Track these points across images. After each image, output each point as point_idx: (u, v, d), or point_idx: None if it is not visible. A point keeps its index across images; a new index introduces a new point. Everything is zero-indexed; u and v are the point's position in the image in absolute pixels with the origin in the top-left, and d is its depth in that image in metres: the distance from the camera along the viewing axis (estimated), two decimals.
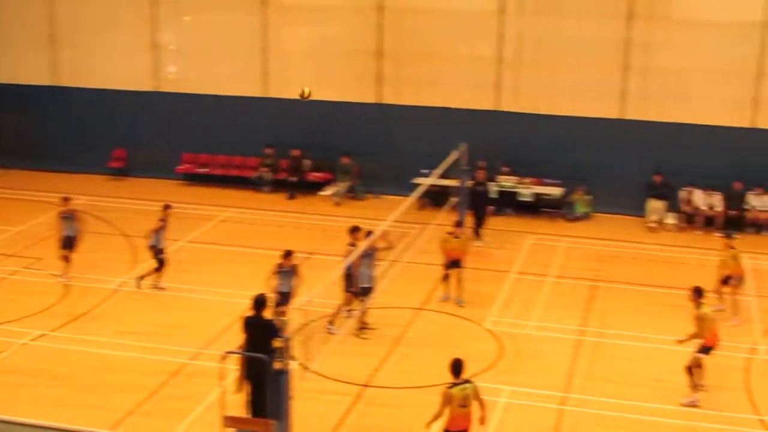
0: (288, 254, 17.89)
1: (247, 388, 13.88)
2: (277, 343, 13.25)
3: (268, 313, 14.50)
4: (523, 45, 27.39)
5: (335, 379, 16.67)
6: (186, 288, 21.07)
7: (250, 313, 14.32)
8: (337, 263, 17.32)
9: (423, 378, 16.93)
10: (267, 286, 17.30)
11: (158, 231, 20.62)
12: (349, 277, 18.44)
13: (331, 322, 18.75)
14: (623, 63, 26.78)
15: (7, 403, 15.50)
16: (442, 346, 18.29)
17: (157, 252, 20.72)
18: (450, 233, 20.35)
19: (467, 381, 12.87)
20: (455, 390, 12.71)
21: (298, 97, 20.80)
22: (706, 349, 15.92)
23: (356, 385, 16.72)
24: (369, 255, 18.43)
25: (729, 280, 19.81)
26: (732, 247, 20.04)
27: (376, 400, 16.30)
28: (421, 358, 17.95)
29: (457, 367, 12.95)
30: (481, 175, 24.41)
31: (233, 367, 14.43)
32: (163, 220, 20.69)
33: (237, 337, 15.02)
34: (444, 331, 19.29)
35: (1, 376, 16.76)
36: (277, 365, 13.04)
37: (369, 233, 18.32)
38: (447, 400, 12.71)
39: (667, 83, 26.71)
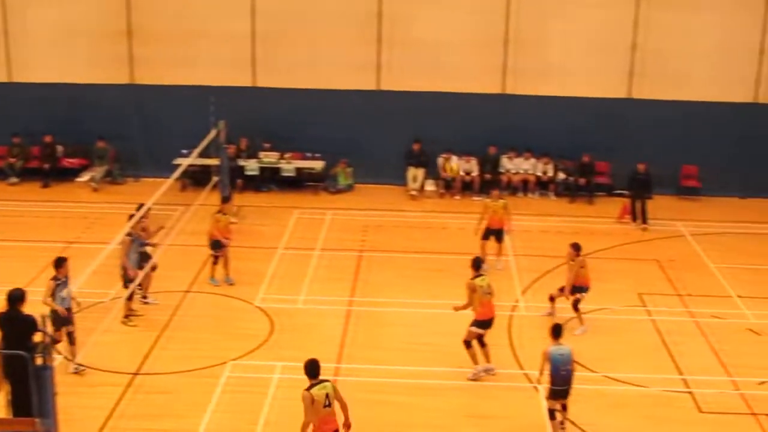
0: (60, 262, 15.97)
1: (7, 387, 13.29)
2: (37, 338, 12.74)
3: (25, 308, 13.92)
4: (278, 19, 27.28)
5: (103, 370, 16.24)
6: None
7: (4, 309, 13.73)
8: (98, 251, 16.78)
9: (195, 361, 16.77)
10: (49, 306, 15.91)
11: None
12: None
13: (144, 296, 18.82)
14: (377, 35, 27.19)
15: None
16: (214, 327, 18.25)
17: None
18: (219, 212, 20.21)
19: (325, 380, 12.34)
20: (315, 391, 12.13)
21: None
22: (478, 323, 16.10)
23: (126, 374, 16.35)
24: (135, 241, 18.04)
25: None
26: (501, 198, 21.20)
27: (147, 388, 16.00)
28: (192, 341, 17.74)
29: (312, 368, 12.33)
30: (231, 150, 24.19)
31: None
32: None
33: None
34: (214, 311, 19.11)
35: None
36: (38, 361, 12.56)
37: (131, 217, 17.92)
38: (309, 402, 12.07)
39: (420, 54, 27.28)
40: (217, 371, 16.42)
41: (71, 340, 15.83)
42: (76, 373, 15.92)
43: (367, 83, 27.54)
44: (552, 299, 18.69)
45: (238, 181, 25.00)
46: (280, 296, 19.85)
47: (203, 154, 23.63)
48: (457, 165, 27.20)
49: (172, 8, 27.39)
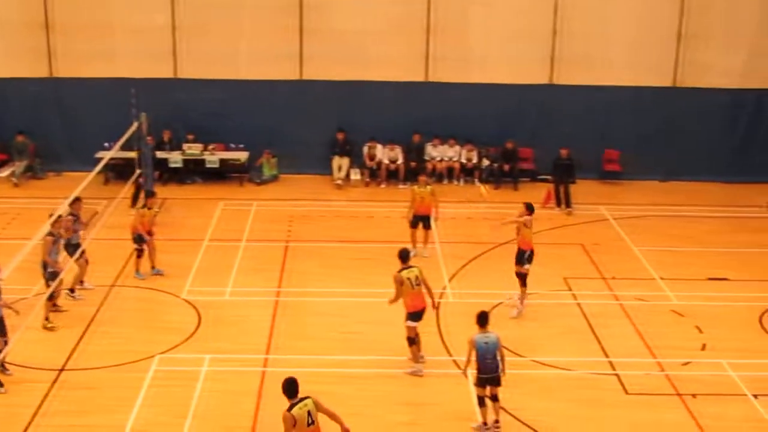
0: None
1: None
2: None
3: None
4: (199, 10, 27.07)
5: (28, 367, 15.98)
6: None
7: None
8: (20, 247, 16.45)
9: (121, 356, 16.59)
10: None
11: None
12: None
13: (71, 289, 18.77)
14: (299, 25, 27.10)
15: None
16: (140, 321, 18.13)
17: None
18: (144, 206, 19.99)
19: (305, 397, 11.81)
20: (296, 411, 11.59)
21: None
22: (411, 315, 15.88)
23: (51, 370, 16.12)
24: (57, 240, 17.75)
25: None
26: (428, 184, 21.29)
27: (73, 384, 15.78)
28: (119, 335, 17.55)
29: (290, 387, 11.83)
30: (150, 141, 23.96)
31: None
32: None
33: None
34: (140, 305, 18.96)
35: None
36: None
37: (51, 216, 17.62)
38: (291, 425, 11.53)
39: (342, 43, 27.26)
40: (144, 365, 16.25)
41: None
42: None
43: (290, 73, 27.45)
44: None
45: (156, 173, 24.70)
46: (207, 288, 19.71)
47: (125, 147, 23.31)
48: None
49: (90, 1, 26.95)
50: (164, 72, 27.35)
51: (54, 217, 17.53)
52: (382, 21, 27.23)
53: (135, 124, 22.94)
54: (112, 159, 23.67)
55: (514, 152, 27.14)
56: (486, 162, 27.42)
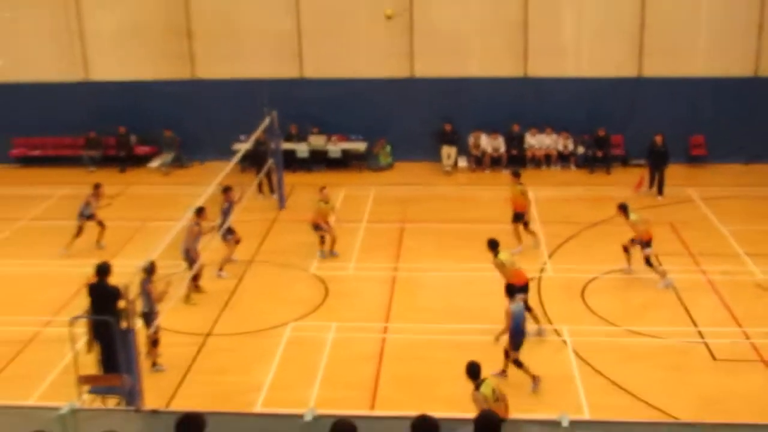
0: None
1: (97, 349, 13.56)
2: (121, 305, 12.97)
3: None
4: (320, 16, 27.29)
5: (180, 331, 16.48)
6: (27, 261, 20.31)
7: (94, 280, 13.98)
8: (170, 227, 16.93)
9: (259, 323, 17.02)
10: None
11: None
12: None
13: (220, 269, 19.14)
14: (409, 27, 27.06)
15: None
16: (275, 293, 18.46)
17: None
18: (321, 200, 20.27)
19: (484, 379, 11.88)
20: (482, 389, 11.65)
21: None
22: (517, 289, 15.57)
23: (198, 335, 16.61)
24: (200, 231, 18.15)
25: (518, 216, 20.23)
26: (520, 183, 20.31)
27: (216, 347, 16.25)
28: (255, 305, 17.98)
29: (473, 370, 11.87)
30: (262, 136, 24.25)
31: (83, 331, 14.06)
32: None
33: (82, 304, 14.57)
34: (275, 279, 19.31)
35: None
36: (123, 325, 12.79)
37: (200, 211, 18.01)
38: (482, 402, 11.41)
39: (448, 43, 27.08)
40: (279, 331, 16.63)
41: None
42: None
43: (401, 71, 27.46)
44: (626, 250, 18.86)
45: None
46: (333, 264, 19.98)
47: (258, 140, 23.73)
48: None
49: (226, 9, 27.43)
50: (291, 72, 27.67)
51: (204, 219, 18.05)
52: (484, 22, 26.99)
53: (266, 119, 23.30)
54: (246, 150, 24.07)
55: (606, 139, 26.69)
56: (581, 149, 27.07)
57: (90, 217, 20.72)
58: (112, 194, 22.49)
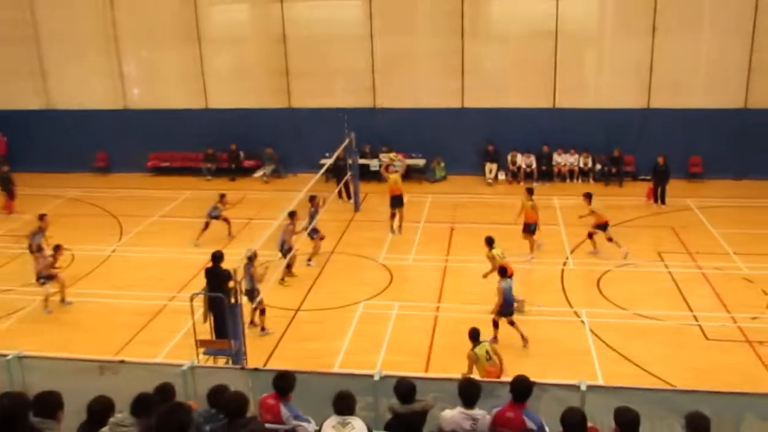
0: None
1: (210, 319, 13.78)
2: (230, 285, 13.14)
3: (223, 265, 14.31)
4: (390, 58, 27.30)
5: (276, 306, 16.64)
6: (158, 249, 20.70)
7: (209, 265, 14.19)
8: (269, 225, 17.10)
9: (337, 301, 17.10)
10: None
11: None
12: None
13: (309, 259, 19.13)
14: (461, 67, 26.96)
15: (34, 343, 15.01)
16: (350, 278, 18.50)
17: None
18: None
19: (483, 341, 12.58)
20: (477, 350, 12.22)
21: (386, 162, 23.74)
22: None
23: (290, 309, 16.75)
24: (293, 230, 18.33)
25: (529, 227, 19.36)
26: (531, 199, 19.42)
27: (304, 320, 16.37)
28: (335, 287, 18.06)
29: (473, 334, 12.41)
30: (342, 154, 24.26)
31: (199, 305, 14.28)
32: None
33: (200, 283, 14.83)
34: (350, 267, 19.34)
35: (26, 324, 16.31)
36: (231, 301, 12.96)
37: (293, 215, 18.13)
38: (472, 360, 11.84)
39: (492, 80, 26.95)
40: (353, 308, 16.70)
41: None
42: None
43: (454, 102, 27.31)
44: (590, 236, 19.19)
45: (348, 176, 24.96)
46: (396, 255, 19.97)
47: (339, 156, 23.84)
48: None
49: (315, 53, 27.57)
50: (366, 102, 27.71)
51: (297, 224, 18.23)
52: (521, 63, 26.68)
53: (346, 140, 23.40)
54: (330, 164, 24.21)
55: (619, 158, 26.21)
56: (598, 165, 26.62)
57: (216, 217, 20.99)
58: (234, 200, 22.62)
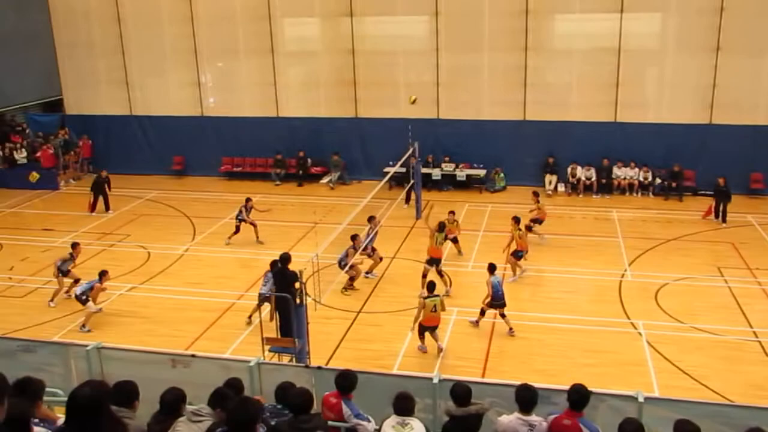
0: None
1: (277, 318, 13.91)
2: (296, 285, 13.25)
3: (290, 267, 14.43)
4: (454, 72, 27.20)
5: (338, 308, 16.73)
6: (228, 249, 21.01)
7: (275, 266, 14.34)
8: (334, 229, 17.21)
9: (396, 305, 17.02)
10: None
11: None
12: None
13: (368, 272, 18.81)
14: (523, 80, 26.70)
15: (112, 335, 15.47)
16: (408, 282, 18.37)
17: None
18: (448, 219, 19.71)
19: (436, 295, 14.21)
20: (428, 300, 13.48)
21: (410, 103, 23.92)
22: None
23: (352, 312, 16.79)
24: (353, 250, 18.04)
25: (518, 253, 18.61)
26: (519, 228, 18.67)
27: (365, 322, 16.38)
28: (394, 291, 18.03)
29: (431, 286, 13.72)
30: (412, 161, 24.13)
31: (267, 304, 14.43)
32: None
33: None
34: (409, 272, 19.19)
35: (107, 317, 16.72)
36: (297, 301, 13.05)
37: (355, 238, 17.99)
38: (420, 306, 13.29)
39: (553, 94, 26.61)
40: (413, 312, 16.47)
41: None
42: None
43: (515, 114, 27.03)
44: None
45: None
46: (456, 262, 19.74)
47: (403, 165, 23.83)
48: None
49: (381, 66, 27.69)
50: (430, 114, 27.62)
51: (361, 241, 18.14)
52: (583, 78, 26.28)
53: (410, 149, 23.40)
54: (394, 172, 24.26)
55: (680, 173, 25.53)
56: (658, 180, 25.99)
57: (242, 221, 21.28)
58: (261, 207, 22.55)
